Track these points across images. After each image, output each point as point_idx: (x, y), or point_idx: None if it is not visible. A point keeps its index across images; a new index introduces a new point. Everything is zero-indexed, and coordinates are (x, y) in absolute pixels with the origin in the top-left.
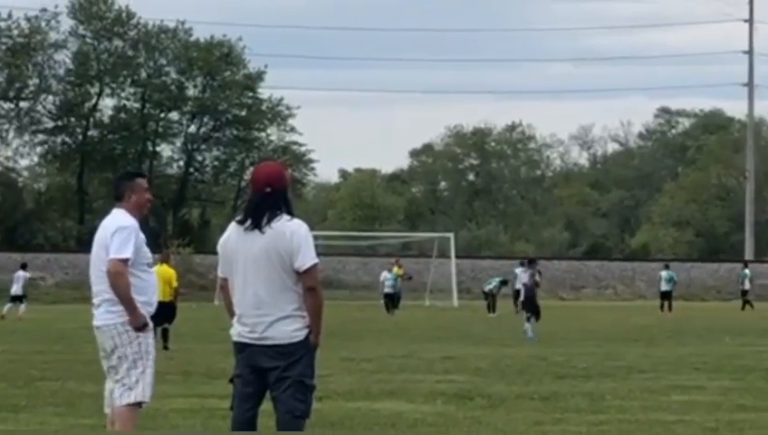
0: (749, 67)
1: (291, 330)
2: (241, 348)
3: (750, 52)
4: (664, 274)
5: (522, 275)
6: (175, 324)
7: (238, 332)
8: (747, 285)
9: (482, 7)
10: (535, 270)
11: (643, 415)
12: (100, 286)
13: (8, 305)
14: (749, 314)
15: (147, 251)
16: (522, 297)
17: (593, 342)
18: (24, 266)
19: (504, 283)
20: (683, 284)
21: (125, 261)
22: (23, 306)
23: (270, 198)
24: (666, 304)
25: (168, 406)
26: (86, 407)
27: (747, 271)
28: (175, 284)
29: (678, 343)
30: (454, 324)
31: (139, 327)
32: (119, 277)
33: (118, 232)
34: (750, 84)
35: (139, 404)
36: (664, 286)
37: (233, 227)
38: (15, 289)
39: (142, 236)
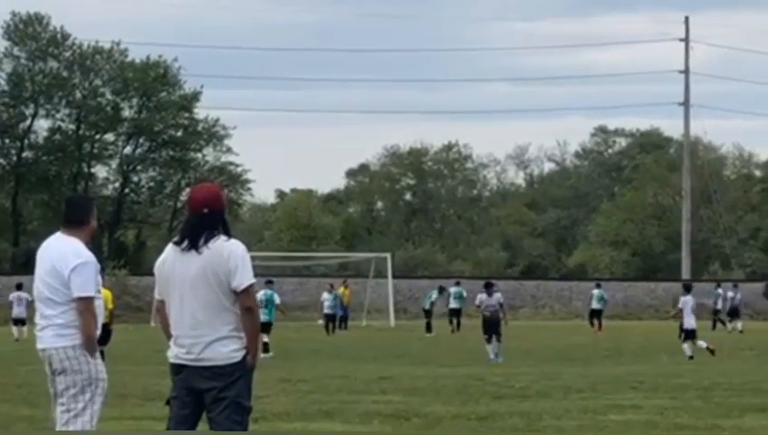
0: (685, 86)
1: (228, 351)
2: (177, 370)
3: (686, 71)
4: (596, 292)
5: (487, 299)
6: (110, 346)
7: (175, 353)
8: (719, 305)
9: (418, 27)
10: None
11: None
12: (50, 311)
13: None
14: (717, 333)
15: (99, 278)
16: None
17: (530, 361)
18: None
19: (441, 290)
20: (620, 303)
21: (90, 299)
22: None
23: (207, 218)
24: (596, 322)
25: (102, 429)
26: (20, 430)
27: (720, 290)
28: (111, 306)
29: (615, 363)
30: (391, 344)
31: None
32: (90, 316)
33: (80, 267)
34: (686, 104)
35: None
36: (595, 304)
37: (170, 248)
38: None
39: (98, 265)
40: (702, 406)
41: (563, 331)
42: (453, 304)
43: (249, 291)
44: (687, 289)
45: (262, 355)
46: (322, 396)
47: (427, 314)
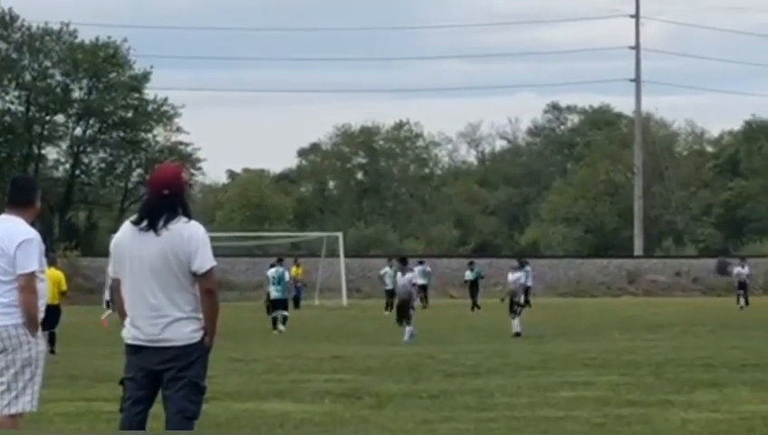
0: (636, 63)
1: (187, 332)
2: (134, 350)
3: (637, 47)
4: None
5: (400, 279)
6: (61, 328)
7: (132, 334)
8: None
9: (369, 5)
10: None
11: (531, 412)
12: None
13: None
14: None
15: (44, 259)
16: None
17: (482, 339)
18: None
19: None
20: (572, 280)
21: (32, 275)
22: None
23: (167, 200)
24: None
25: (53, 410)
26: None
27: (737, 268)
28: (64, 287)
29: (567, 340)
30: (343, 324)
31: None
32: (31, 292)
33: (24, 244)
34: (637, 80)
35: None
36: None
37: (127, 227)
38: None
39: (43, 245)
40: (654, 382)
41: None
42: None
43: (209, 273)
44: (522, 265)
45: (274, 331)
46: (274, 376)
47: (390, 293)
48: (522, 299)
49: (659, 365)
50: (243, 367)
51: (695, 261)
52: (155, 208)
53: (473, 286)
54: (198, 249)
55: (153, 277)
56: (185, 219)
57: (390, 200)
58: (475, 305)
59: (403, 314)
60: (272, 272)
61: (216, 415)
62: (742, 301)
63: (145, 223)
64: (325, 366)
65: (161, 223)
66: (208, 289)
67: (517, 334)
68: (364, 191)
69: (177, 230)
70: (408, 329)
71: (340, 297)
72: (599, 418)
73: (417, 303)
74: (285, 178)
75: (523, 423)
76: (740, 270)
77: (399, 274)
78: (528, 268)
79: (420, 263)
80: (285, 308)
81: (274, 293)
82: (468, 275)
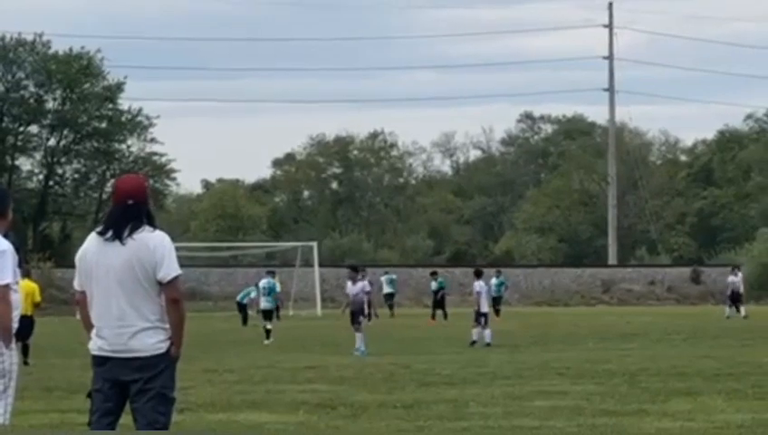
0: (609, 73)
1: (153, 342)
2: (101, 362)
3: (610, 57)
4: (494, 280)
5: (351, 287)
6: (35, 339)
7: (98, 345)
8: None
9: (343, 16)
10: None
11: (506, 421)
12: None
13: None
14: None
15: (18, 270)
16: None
17: (456, 348)
18: None
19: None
20: (547, 289)
21: (7, 286)
22: None
23: (132, 209)
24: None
25: (27, 422)
26: None
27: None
28: (38, 299)
29: (542, 349)
30: (317, 334)
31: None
32: (5, 304)
33: None
34: (611, 90)
35: None
36: (494, 292)
37: (92, 238)
38: None
39: (16, 256)
40: (628, 391)
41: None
42: (386, 289)
43: (175, 282)
44: (480, 275)
45: (265, 341)
46: (248, 386)
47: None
48: (485, 309)
49: (634, 374)
50: (216, 378)
51: (669, 270)
52: (120, 218)
53: (436, 296)
54: (164, 258)
55: (119, 287)
56: (150, 229)
57: (365, 210)
58: (439, 315)
59: (353, 322)
60: (263, 283)
61: (189, 426)
62: (730, 310)
63: (110, 233)
64: (299, 376)
65: (126, 232)
66: (174, 298)
67: (487, 344)
68: (339, 201)
69: (142, 240)
70: (358, 336)
71: (314, 307)
72: (573, 427)
73: (369, 311)
74: (260, 189)
75: (498, 433)
76: (733, 279)
77: (350, 282)
78: (495, 279)
79: (386, 272)
80: (271, 319)
81: (264, 303)
82: (433, 285)
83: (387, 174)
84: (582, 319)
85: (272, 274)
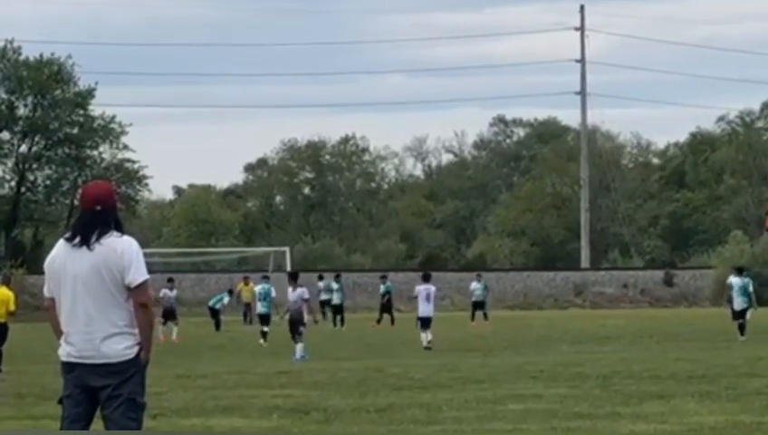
0: (581, 76)
1: (122, 348)
2: (70, 368)
3: (582, 60)
4: (474, 284)
5: (290, 294)
6: (8, 346)
7: (66, 351)
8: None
9: (314, 21)
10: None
11: (479, 425)
12: None
13: None
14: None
15: None
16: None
17: (430, 353)
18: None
19: (230, 292)
20: (520, 293)
21: None
22: None
23: (100, 215)
24: (478, 314)
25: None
26: None
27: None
28: (12, 307)
29: (515, 353)
30: (290, 339)
31: None
32: None
33: None
34: (582, 93)
35: None
36: (476, 297)
37: (61, 244)
38: None
39: None
40: (601, 394)
41: (463, 322)
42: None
43: (143, 287)
44: (427, 278)
45: (260, 341)
46: (221, 392)
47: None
48: (423, 313)
49: (607, 377)
50: (189, 383)
51: (641, 273)
52: (87, 224)
53: (383, 300)
54: (132, 263)
55: (87, 293)
56: (117, 234)
57: (337, 215)
58: (379, 320)
59: (294, 331)
60: (258, 288)
61: (163, 432)
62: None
63: (78, 239)
64: (273, 381)
65: (94, 238)
66: (142, 303)
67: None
68: (311, 206)
69: (110, 245)
70: (298, 346)
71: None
72: (547, 431)
73: (310, 317)
74: (232, 194)
75: None
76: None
77: (290, 289)
78: (477, 283)
79: (337, 277)
80: (268, 323)
81: (260, 308)
82: (381, 289)
83: (359, 179)
84: (555, 322)
85: (267, 279)
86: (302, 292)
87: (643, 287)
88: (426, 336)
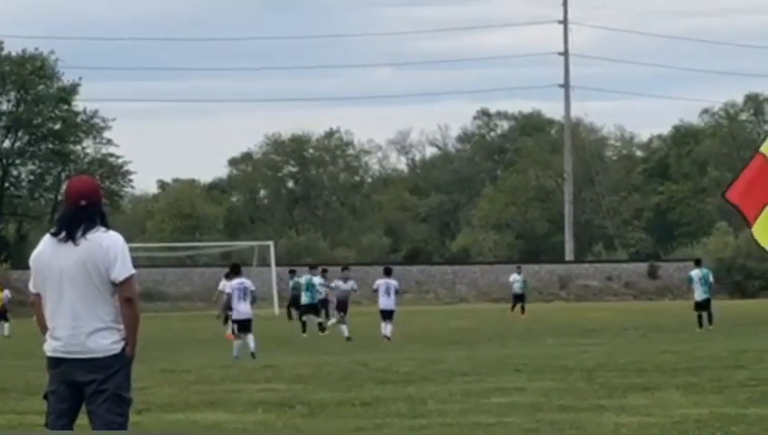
0: (565, 68)
1: (108, 343)
2: (55, 363)
3: (565, 53)
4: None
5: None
6: None
7: (52, 346)
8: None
9: (299, 15)
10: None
11: (464, 418)
12: None
13: None
14: None
15: None
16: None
17: (414, 346)
18: None
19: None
20: (504, 286)
21: None
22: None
23: (85, 210)
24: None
25: None
26: None
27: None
28: None
29: (500, 345)
30: (274, 333)
31: None
32: None
33: None
34: (566, 85)
35: None
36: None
37: (46, 240)
38: None
39: None
40: (586, 387)
41: (447, 315)
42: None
43: (128, 282)
44: (388, 272)
45: (328, 324)
46: (206, 386)
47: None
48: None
49: (591, 370)
50: (174, 378)
51: (626, 265)
52: (73, 219)
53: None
54: (117, 258)
55: (72, 288)
56: (103, 229)
57: (321, 209)
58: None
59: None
60: (302, 280)
61: (147, 426)
62: None
63: (63, 234)
64: (257, 376)
65: (80, 233)
66: (128, 298)
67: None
68: (295, 200)
69: (95, 240)
70: (247, 339)
71: (271, 307)
72: (531, 423)
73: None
74: (216, 188)
75: (456, 430)
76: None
77: (224, 280)
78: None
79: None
80: (317, 313)
81: (305, 298)
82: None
83: (343, 172)
84: (540, 315)
85: (313, 269)
86: (351, 284)
87: (627, 280)
88: (385, 326)
